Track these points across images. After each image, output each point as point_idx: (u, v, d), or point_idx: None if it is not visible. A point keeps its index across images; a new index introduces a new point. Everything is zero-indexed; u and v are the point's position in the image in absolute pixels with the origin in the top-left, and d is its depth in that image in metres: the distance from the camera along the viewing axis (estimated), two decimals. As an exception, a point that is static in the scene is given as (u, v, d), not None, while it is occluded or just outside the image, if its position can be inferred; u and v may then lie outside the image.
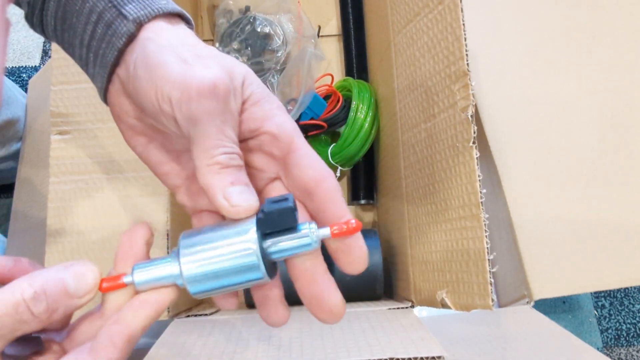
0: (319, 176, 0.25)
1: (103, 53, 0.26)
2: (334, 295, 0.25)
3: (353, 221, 0.24)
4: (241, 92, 0.25)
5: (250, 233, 0.23)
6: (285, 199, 0.24)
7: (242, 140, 0.26)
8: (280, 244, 0.24)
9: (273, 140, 0.25)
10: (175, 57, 0.24)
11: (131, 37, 0.25)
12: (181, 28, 0.27)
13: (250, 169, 0.27)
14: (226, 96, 0.24)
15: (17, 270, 0.25)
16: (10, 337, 0.21)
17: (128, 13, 0.25)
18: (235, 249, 0.23)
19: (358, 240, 0.25)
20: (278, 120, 0.25)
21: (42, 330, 0.23)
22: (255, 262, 0.23)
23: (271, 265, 0.25)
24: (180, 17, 0.27)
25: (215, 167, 0.23)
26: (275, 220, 0.23)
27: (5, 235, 0.64)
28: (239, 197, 0.23)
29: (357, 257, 0.25)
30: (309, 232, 0.24)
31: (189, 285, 0.23)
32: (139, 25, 0.25)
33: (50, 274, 0.22)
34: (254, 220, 0.24)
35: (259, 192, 0.27)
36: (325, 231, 0.24)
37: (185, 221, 0.53)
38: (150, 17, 0.25)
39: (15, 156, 0.80)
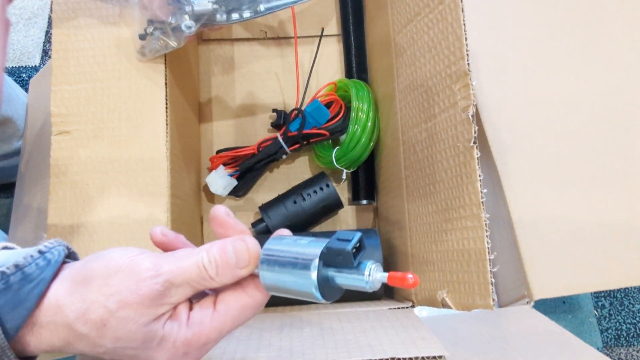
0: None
1: None
2: None
3: (411, 276, 0.24)
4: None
5: (312, 266, 0.25)
6: (348, 240, 0.25)
7: None
8: (338, 277, 0.25)
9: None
10: None
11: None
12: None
13: None
14: None
15: (178, 242, 0.30)
16: (197, 289, 0.27)
17: None
18: (299, 275, 0.25)
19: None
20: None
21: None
22: (312, 292, 0.25)
23: (335, 289, 0.26)
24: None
25: None
26: (335, 258, 0.25)
27: (7, 233, 0.64)
28: None
29: None
30: (366, 277, 0.24)
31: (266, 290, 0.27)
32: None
33: (220, 248, 0.27)
34: (319, 252, 0.25)
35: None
36: (383, 277, 0.24)
37: (185, 221, 0.53)
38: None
39: (15, 154, 0.80)
